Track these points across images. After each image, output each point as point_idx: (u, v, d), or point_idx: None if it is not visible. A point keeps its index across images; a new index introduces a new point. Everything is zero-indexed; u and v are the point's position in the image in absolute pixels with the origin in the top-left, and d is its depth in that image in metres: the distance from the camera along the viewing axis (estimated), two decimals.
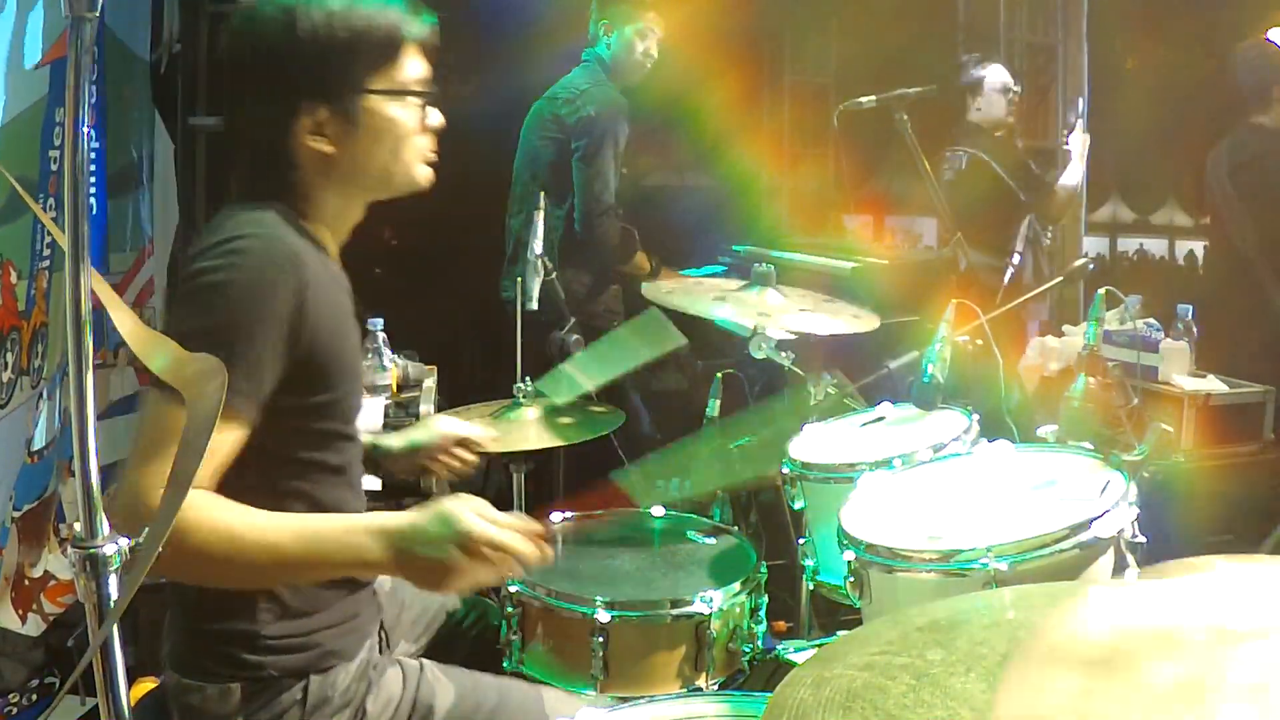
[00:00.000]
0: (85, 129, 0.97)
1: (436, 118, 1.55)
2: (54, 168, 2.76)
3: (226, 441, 1.31)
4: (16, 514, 2.70)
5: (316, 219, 1.51)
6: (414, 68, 1.50)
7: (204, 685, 1.45)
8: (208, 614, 1.46)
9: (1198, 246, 4.32)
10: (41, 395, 2.80)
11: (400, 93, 1.48)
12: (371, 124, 1.47)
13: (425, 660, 1.67)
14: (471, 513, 1.35)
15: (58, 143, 2.76)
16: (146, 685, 1.73)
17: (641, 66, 3.57)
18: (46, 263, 2.77)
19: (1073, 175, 3.91)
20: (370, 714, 1.53)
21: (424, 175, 1.56)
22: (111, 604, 0.98)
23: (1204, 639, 0.66)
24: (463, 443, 1.94)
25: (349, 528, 1.35)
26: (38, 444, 2.79)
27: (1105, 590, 0.86)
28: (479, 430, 1.96)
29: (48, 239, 2.75)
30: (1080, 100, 4.38)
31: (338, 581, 1.51)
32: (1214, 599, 0.73)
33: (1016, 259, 3.70)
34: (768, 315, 2.36)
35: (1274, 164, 3.40)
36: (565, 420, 2.37)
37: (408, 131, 1.50)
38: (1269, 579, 0.77)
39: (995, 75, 3.99)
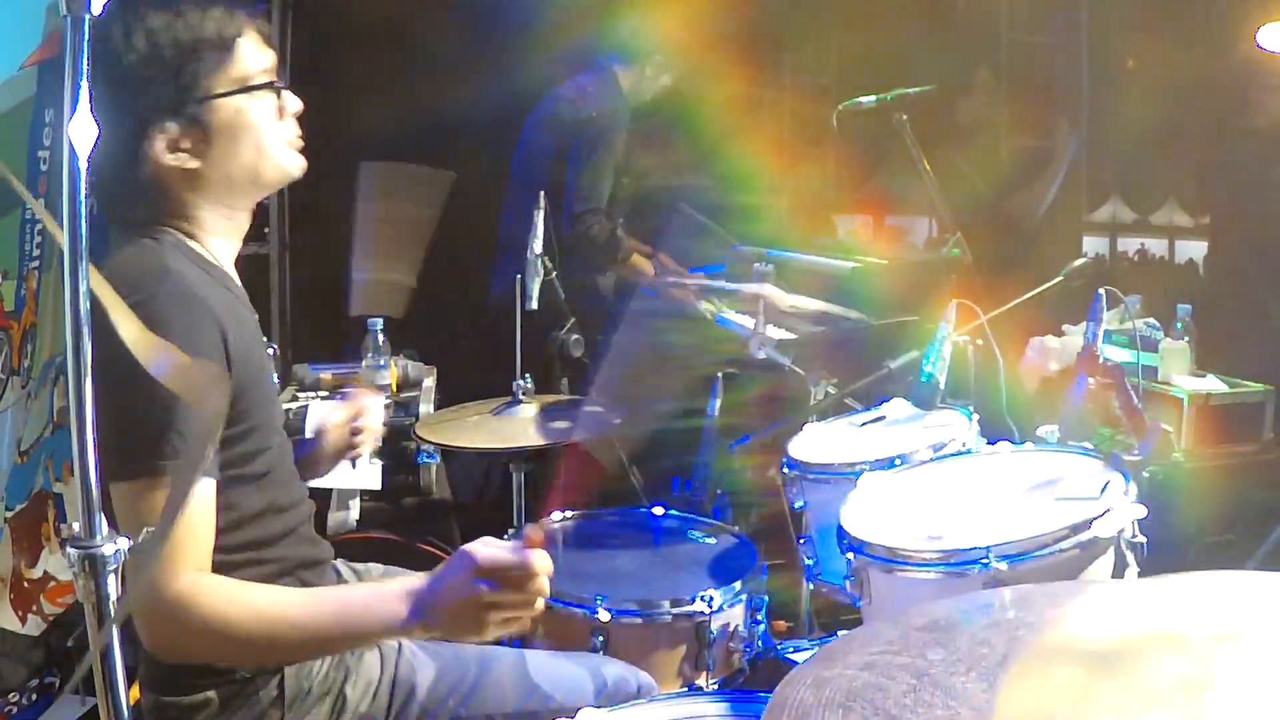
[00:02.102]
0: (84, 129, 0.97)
1: (295, 103, 1.54)
2: (43, 168, 2.76)
3: (210, 506, 1.32)
4: (9, 514, 2.69)
5: (204, 236, 1.50)
6: (254, 59, 1.49)
7: (180, 699, 1.45)
8: None
9: (1198, 247, 4.31)
10: (30, 395, 2.79)
11: (245, 89, 1.46)
12: (225, 127, 1.46)
13: (402, 640, 1.65)
14: (480, 546, 1.32)
15: (47, 143, 2.75)
16: None
17: (652, 89, 3.62)
18: (36, 263, 2.77)
19: (1043, 185, 4.16)
20: (350, 700, 1.53)
21: (295, 164, 1.55)
22: (111, 604, 0.98)
23: (1205, 637, 0.66)
24: (354, 419, 1.91)
25: (376, 596, 1.34)
26: (25, 444, 2.79)
27: (1106, 590, 0.86)
28: (356, 405, 1.92)
29: (37, 239, 2.74)
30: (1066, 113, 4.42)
31: (292, 572, 1.52)
32: (1214, 598, 0.73)
33: None
34: (797, 306, 2.36)
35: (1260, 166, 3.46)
36: (560, 424, 2.37)
37: (264, 124, 1.49)
38: (1266, 581, 0.77)
39: (982, 80, 4.13)
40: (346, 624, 1.33)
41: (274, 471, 1.54)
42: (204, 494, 1.33)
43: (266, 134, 1.49)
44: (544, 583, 1.32)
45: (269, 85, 1.49)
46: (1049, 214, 4.55)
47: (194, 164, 1.45)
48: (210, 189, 1.49)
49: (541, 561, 1.31)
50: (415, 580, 1.33)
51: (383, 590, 1.34)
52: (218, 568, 1.41)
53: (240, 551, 1.47)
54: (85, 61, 0.96)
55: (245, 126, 1.47)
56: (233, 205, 1.53)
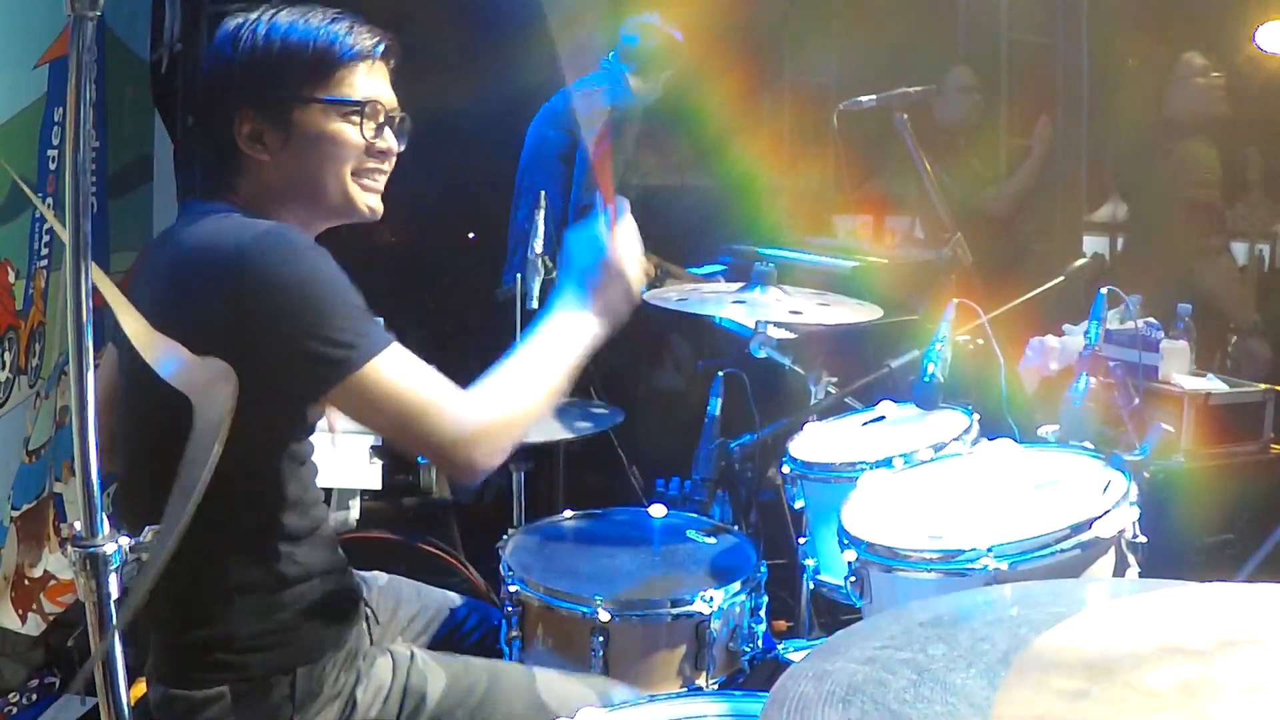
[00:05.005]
0: (86, 128, 0.97)
1: (391, 143, 1.56)
2: (53, 167, 2.76)
3: (415, 358, 1.43)
4: (15, 513, 2.70)
5: None
6: (363, 86, 1.51)
7: (191, 694, 1.45)
8: (185, 624, 1.46)
9: None
10: (39, 394, 2.80)
11: (334, 102, 1.49)
12: (303, 134, 1.49)
13: (415, 648, 1.67)
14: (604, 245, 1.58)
15: (56, 142, 2.76)
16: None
17: (658, 93, 3.66)
18: (44, 262, 2.78)
19: (1014, 183, 4.15)
20: (360, 704, 1.53)
21: (367, 202, 1.55)
22: (111, 603, 0.98)
23: (1203, 644, 0.66)
24: None
25: (570, 332, 1.55)
26: (35, 444, 2.80)
27: (1104, 597, 0.86)
28: None
29: (46, 239, 2.75)
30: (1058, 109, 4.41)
31: (311, 570, 1.52)
32: (1212, 605, 0.73)
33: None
34: (800, 312, 2.36)
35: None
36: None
37: (343, 146, 1.50)
38: (1267, 591, 0.77)
39: (955, 77, 4.09)
40: (562, 368, 1.52)
41: (310, 463, 1.56)
42: (404, 354, 1.41)
43: (341, 157, 1.50)
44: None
45: (360, 109, 1.50)
46: (1049, 214, 4.55)
47: (265, 158, 1.49)
48: (279, 189, 1.51)
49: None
50: (582, 305, 1.56)
51: (570, 324, 1.55)
52: (255, 552, 1.45)
53: (273, 539, 1.48)
54: (90, 61, 0.96)
55: (321, 140, 1.49)
56: (299, 216, 1.54)
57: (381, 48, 1.54)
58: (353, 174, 1.52)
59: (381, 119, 1.53)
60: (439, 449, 1.41)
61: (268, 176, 1.50)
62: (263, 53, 1.47)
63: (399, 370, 1.39)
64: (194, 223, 1.46)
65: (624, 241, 1.58)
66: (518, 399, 1.48)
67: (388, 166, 1.57)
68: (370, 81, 1.52)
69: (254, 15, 1.49)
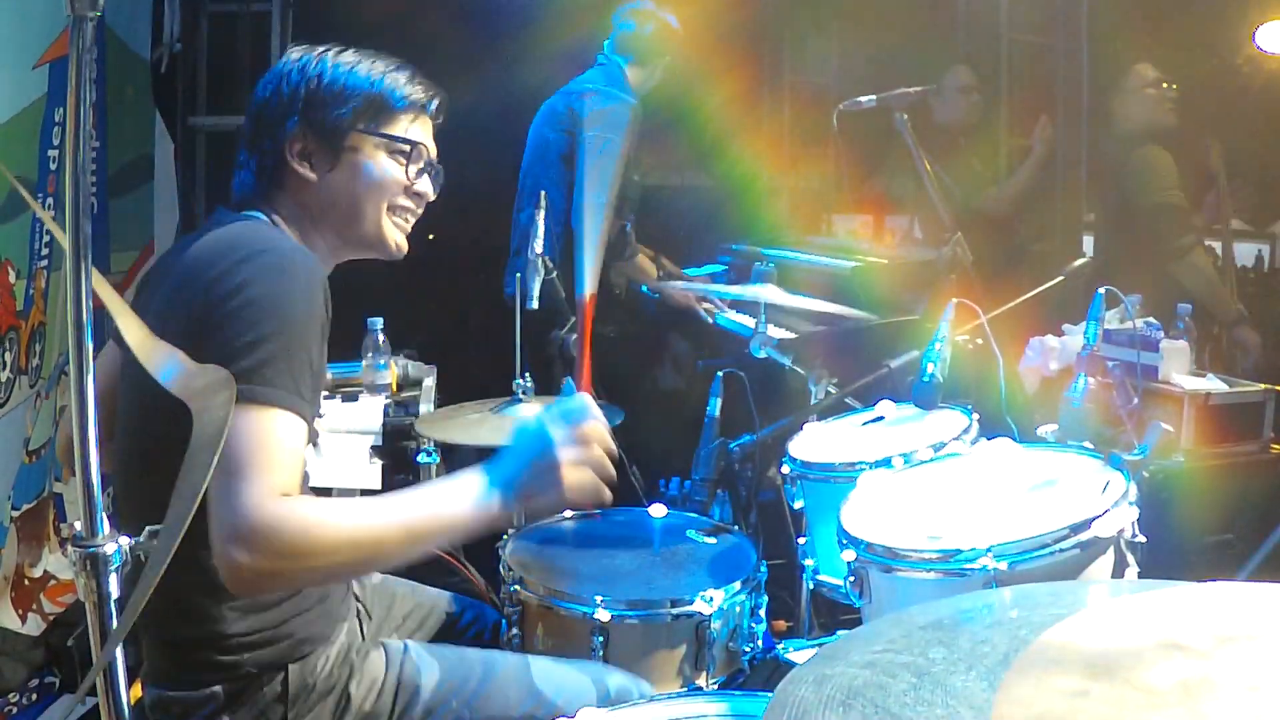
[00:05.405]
0: (85, 129, 0.97)
1: (427, 189, 1.63)
2: (53, 167, 2.77)
3: (301, 440, 1.34)
4: (15, 513, 2.70)
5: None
6: (412, 132, 1.60)
7: (184, 694, 1.45)
8: (176, 623, 1.46)
9: None
10: (39, 394, 2.80)
11: (384, 136, 1.57)
12: (352, 161, 1.56)
13: (409, 641, 1.68)
14: (558, 421, 1.39)
15: (57, 142, 2.76)
16: None
17: (654, 85, 3.66)
18: (45, 262, 2.78)
19: (1014, 183, 4.14)
20: (354, 698, 1.54)
21: (395, 238, 1.62)
22: (112, 604, 0.98)
23: (1202, 643, 0.66)
24: None
25: (458, 489, 1.34)
26: (35, 444, 2.80)
27: (1105, 595, 0.86)
28: None
29: (46, 238, 2.75)
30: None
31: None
32: (1212, 605, 0.73)
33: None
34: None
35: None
36: None
37: (386, 179, 1.58)
38: (1267, 590, 0.77)
39: (954, 77, 4.09)
40: (435, 518, 1.33)
41: (306, 470, 1.55)
42: (296, 426, 1.31)
43: (382, 189, 1.58)
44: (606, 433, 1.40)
45: (409, 150, 1.58)
46: (1049, 214, 4.55)
47: (311, 176, 1.55)
48: (316, 210, 1.57)
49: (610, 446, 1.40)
50: (493, 477, 1.35)
51: (461, 483, 1.35)
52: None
53: None
54: (90, 61, 0.96)
55: (370, 171, 1.57)
56: (322, 237, 1.59)
57: (434, 105, 1.63)
58: (388, 208, 1.59)
59: (423, 164, 1.62)
60: (224, 522, 1.23)
61: (308, 196, 1.56)
62: (329, 80, 1.55)
63: (261, 432, 1.26)
64: (213, 228, 1.48)
65: (583, 437, 1.38)
66: (346, 534, 1.28)
67: (419, 210, 1.64)
68: (418, 129, 1.62)
69: (318, 50, 1.58)
